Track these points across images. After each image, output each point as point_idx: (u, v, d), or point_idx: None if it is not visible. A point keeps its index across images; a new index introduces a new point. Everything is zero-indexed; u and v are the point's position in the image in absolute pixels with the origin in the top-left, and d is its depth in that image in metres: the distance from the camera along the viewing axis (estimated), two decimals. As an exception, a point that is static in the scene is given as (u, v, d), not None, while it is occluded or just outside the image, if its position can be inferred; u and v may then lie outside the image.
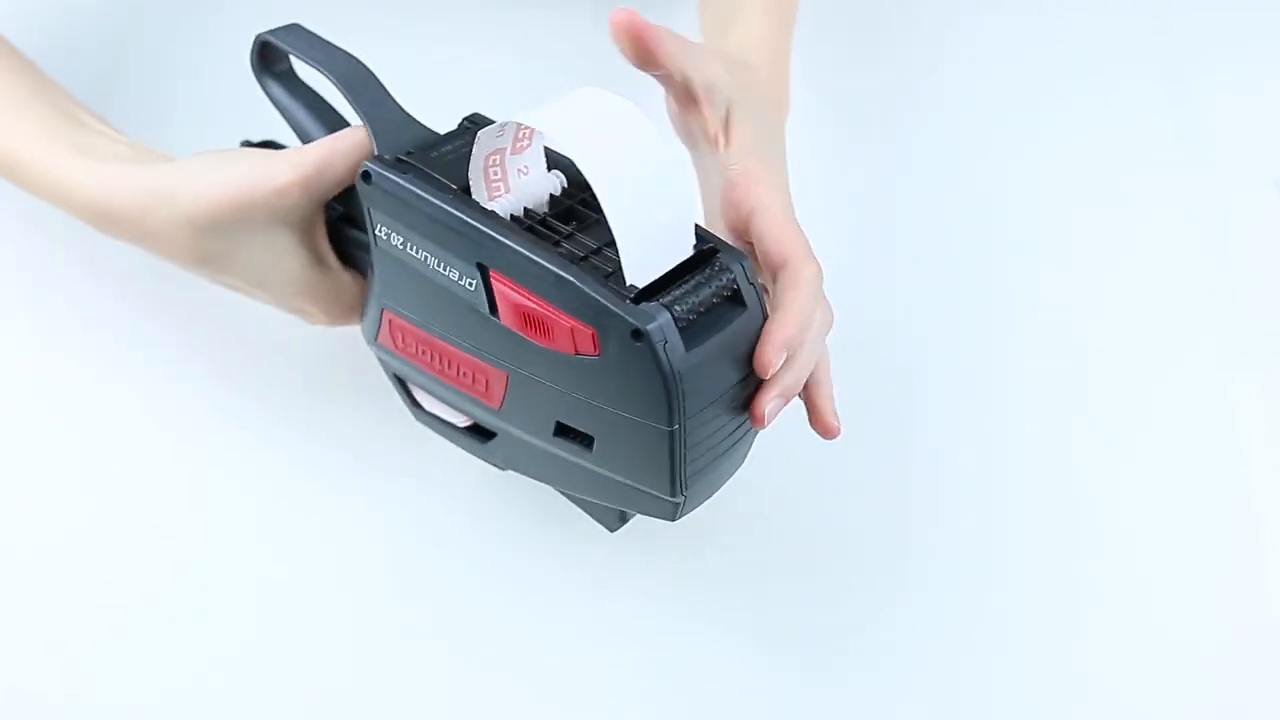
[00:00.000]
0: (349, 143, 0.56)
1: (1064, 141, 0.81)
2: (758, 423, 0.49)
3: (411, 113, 0.56)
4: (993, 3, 0.87)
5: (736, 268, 0.49)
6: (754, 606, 0.63)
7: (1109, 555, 0.66)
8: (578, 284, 0.47)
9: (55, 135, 0.60)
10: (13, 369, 0.68)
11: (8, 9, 0.67)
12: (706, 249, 0.50)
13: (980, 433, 0.69)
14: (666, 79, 0.54)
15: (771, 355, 0.48)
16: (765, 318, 0.50)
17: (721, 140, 0.55)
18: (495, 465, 0.58)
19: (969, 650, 0.63)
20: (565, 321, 0.48)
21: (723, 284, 0.49)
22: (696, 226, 0.50)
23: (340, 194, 0.58)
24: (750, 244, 0.53)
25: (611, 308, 0.47)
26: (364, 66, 0.56)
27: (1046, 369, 0.72)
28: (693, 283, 0.49)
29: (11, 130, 0.60)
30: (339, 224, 0.60)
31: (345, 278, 0.60)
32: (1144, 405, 0.71)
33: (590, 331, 0.48)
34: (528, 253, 0.48)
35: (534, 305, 0.49)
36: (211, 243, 0.57)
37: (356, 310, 0.61)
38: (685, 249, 0.49)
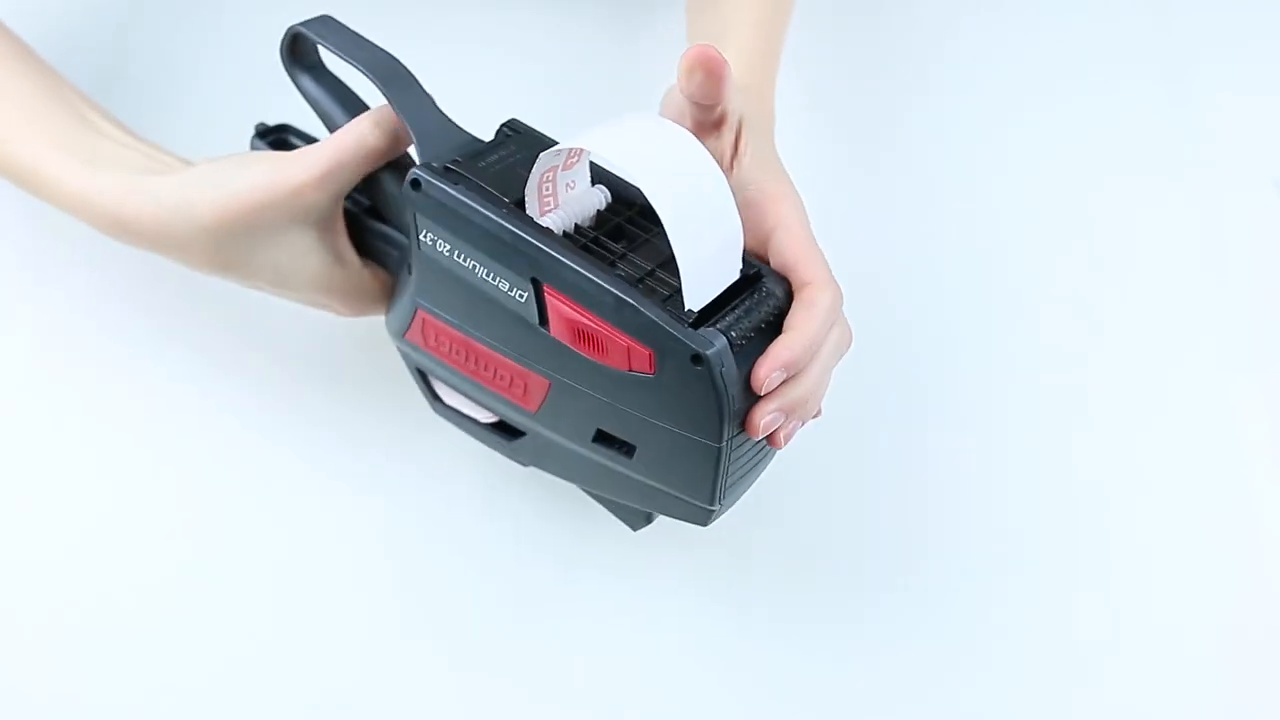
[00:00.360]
0: (354, 136, 0.56)
1: (1064, 141, 0.81)
2: (752, 432, 0.50)
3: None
4: (992, 3, 0.87)
5: (780, 291, 0.51)
6: (764, 603, 0.64)
7: (1110, 555, 0.66)
8: (640, 308, 0.48)
9: (69, 146, 0.60)
10: (14, 368, 0.68)
11: (10, 6, 0.66)
12: (753, 273, 0.51)
13: (982, 434, 0.69)
14: (707, 108, 0.53)
15: (765, 374, 0.48)
16: None
17: (732, 160, 0.54)
18: (518, 462, 0.59)
19: (975, 649, 0.63)
20: (622, 340, 0.49)
21: (770, 308, 0.50)
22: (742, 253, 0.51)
23: (363, 187, 0.58)
24: (767, 262, 0.53)
25: (674, 333, 0.48)
26: (400, 64, 0.56)
27: (1047, 369, 0.72)
28: (744, 307, 0.50)
29: (25, 142, 0.60)
30: (359, 216, 0.60)
31: (365, 272, 0.60)
32: (1144, 405, 0.71)
33: (648, 352, 0.49)
34: (588, 273, 0.49)
35: (591, 323, 0.49)
36: (231, 249, 0.57)
37: (377, 302, 0.61)
38: (735, 271, 0.50)
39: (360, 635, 0.62)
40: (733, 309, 0.49)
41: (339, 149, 0.56)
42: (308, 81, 0.60)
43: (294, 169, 0.56)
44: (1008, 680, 0.63)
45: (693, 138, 0.50)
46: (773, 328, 0.50)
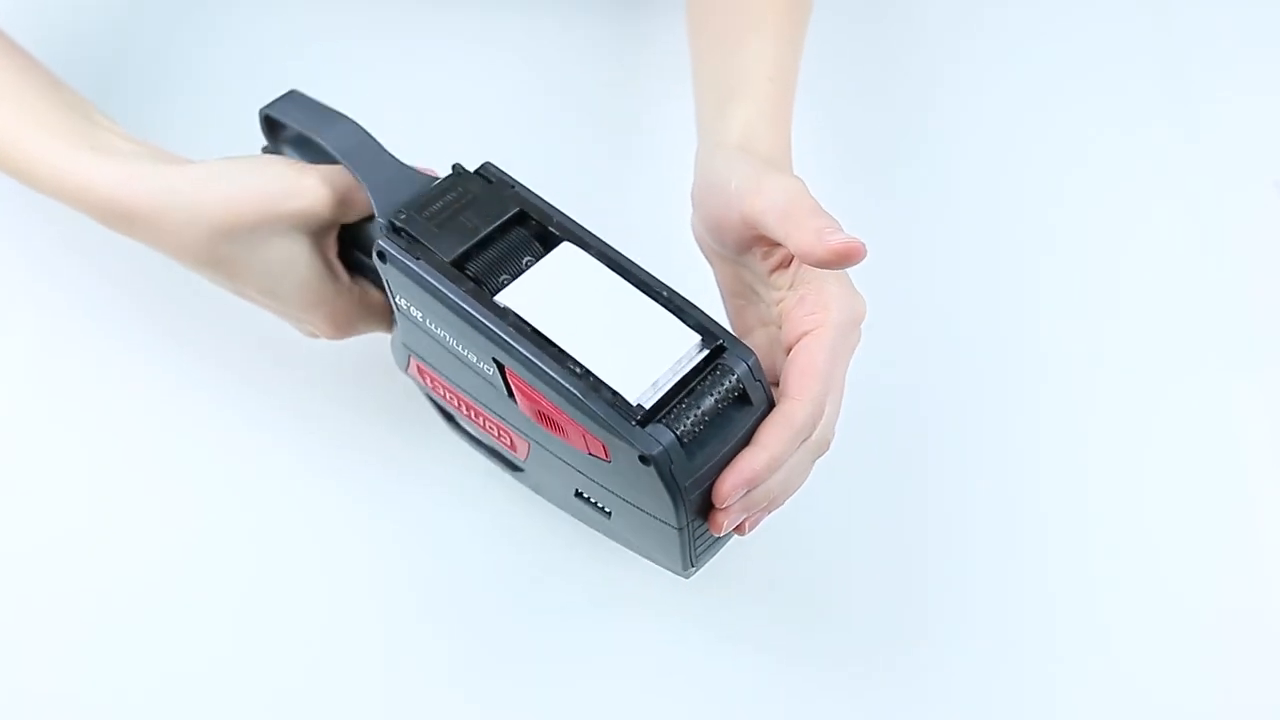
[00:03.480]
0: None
1: (1063, 142, 0.81)
2: (715, 530, 0.50)
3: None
4: (989, 6, 0.87)
5: (741, 366, 0.50)
6: (763, 623, 0.64)
7: (1109, 556, 0.66)
8: (587, 403, 0.48)
9: (70, 134, 0.60)
10: (15, 367, 0.68)
11: (7, 8, 0.66)
12: (715, 347, 0.50)
13: (981, 438, 0.70)
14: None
15: (727, 491, 0.49)
16: (772, 407, 0.51)
17: (779, 265, 0.54)
18: (525, 486, 0.61)
19: (972, 655, 0.64)
20: (577, 428, 0.49)
21: (728, 386, 0.50)
22: (703, 320, 0.51)
23: (349, 235, 0.60)
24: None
25: (619, 431, 0.48)
26: (358, 128, 0.57)
27: (1047, 370, 0.72)
28: (699, 390, 0.49)
29: (23, 130, 0.60)
30: (352, 248, 0.61)
31: (355, 290, 0.61)
32: (1144, 405, 0.71)
33: (601, 443, 0.49)
34: (539, 363, 0.49)
35: (548, 408, 0.50)
36: (228, 247, 0.57)
37: (360, 324, 0.61)
38: (683, 351, 0.50)
39: (357, 644, 0.62)
40: (689, 392, 0.49)
41: (356, 185, 0.57)
42: (291, 152, 0.62)
43: (312, 183, 0.57)
44: (1010, 682, 0.63)
45: (596, 262, 0.51)
46: (733, 405, 0.50)
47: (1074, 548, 0.67)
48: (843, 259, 0.49)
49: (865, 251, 0.49)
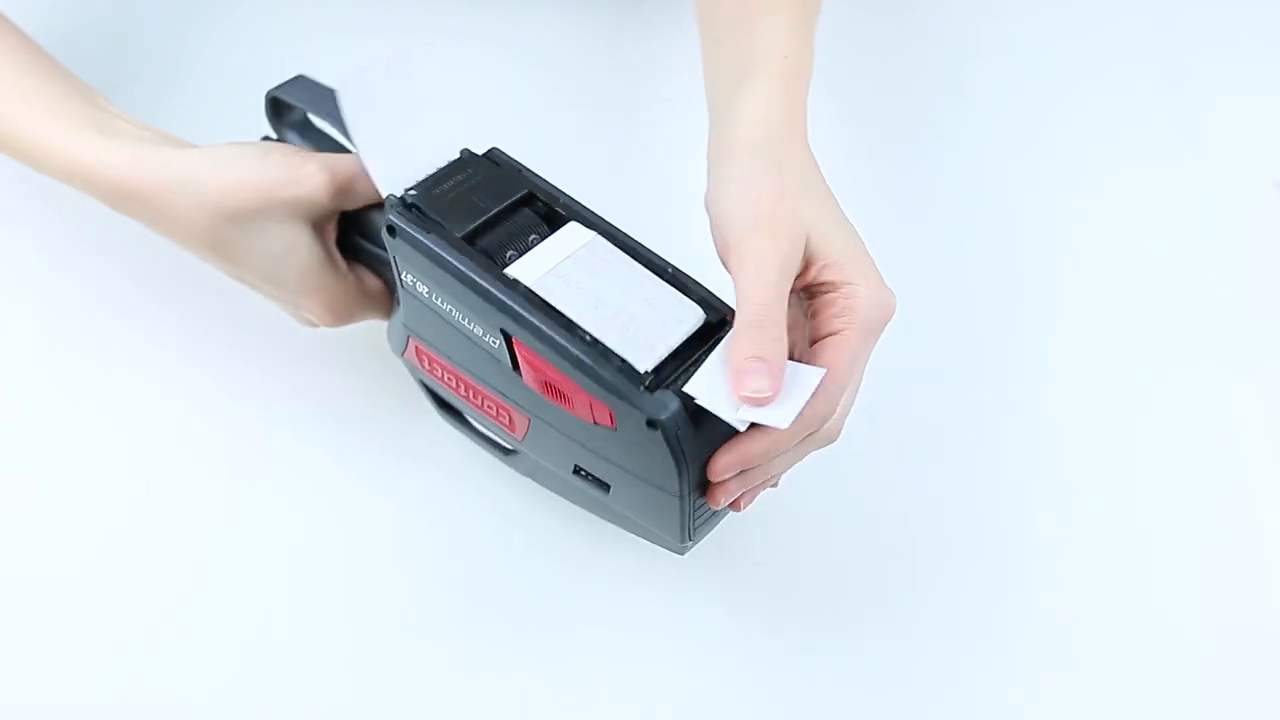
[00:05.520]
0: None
1: (1064, 142, 0.81)
2: (712, 504, 0.51)
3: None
4: (989, 8, 0.87)
5: None
6: (756, 598, 0.64)
7: (1108, 554, 0.66)
8: (596, 369, 0.49)
9: (77, 117, 0.60)
10: (22, 360, 0.68)
11: (8, 4, 0.67)
12: (717, 320, 0.51)
13: (979, 429, 0.70)
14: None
15: (721, 469, 0.50)
16: None
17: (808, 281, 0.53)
18: (518, 471, 0.61)
19: (973, 653, 0.64)
20: (584, 396, 0.50)
21: None
22: (706, 295, 0.52)
23: (352, 221, 0.60)
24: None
25: (627, 396, 0.49)
26: None
27: (1047, 369, 0.72)
28: (703, 360, 0.50)
29: (31, 114, 0.60)
30: (351, 233, 0.61)
31: (351, 277, 0.61)
32: (1144, 404, 0.71)
33: (608, 410, 0.50)
34: (549, 331, 0.50)
35: (555, 378, 0.50)
36: (229, 231, 0.57)
37: (358, 311, 0.61)
38: (689, 322, 0.51)
39: (366, 641, 0.62)
40: (694, 363, 0.50)
41: (360, 169, 0.56)
42: (295, 138, 0.62)
43: (314, 170, 0.57)
44: (1010, 681, 0.63)
45: (602, 240, 0.52)
46: None
47: (1070, 541, 0.67)
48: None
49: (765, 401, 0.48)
